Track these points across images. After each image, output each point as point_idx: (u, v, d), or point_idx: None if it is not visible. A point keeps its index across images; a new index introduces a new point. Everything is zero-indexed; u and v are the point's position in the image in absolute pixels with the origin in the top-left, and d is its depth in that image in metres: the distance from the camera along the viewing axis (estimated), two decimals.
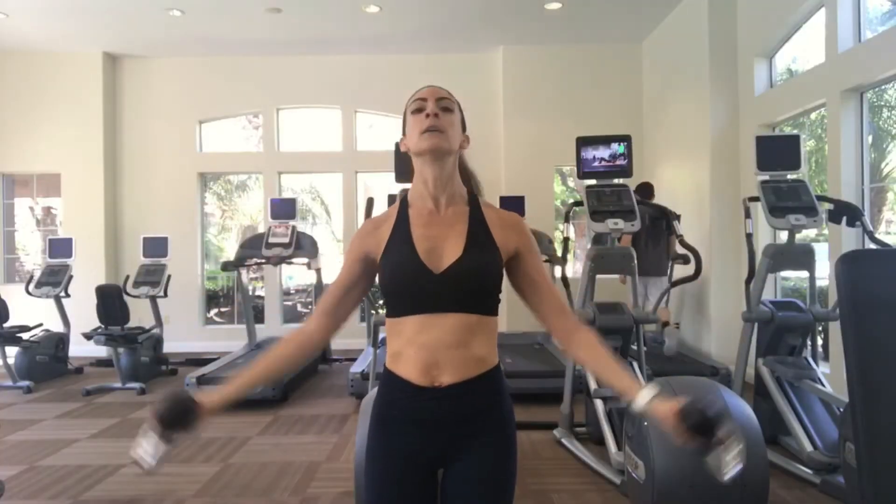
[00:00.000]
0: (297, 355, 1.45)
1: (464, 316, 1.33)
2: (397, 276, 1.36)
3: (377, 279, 1.43)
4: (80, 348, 6.96)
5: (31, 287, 6.65)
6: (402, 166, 4.89)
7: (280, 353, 1.44)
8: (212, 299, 9.04)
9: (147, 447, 1.27)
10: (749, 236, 4.08)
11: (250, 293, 8.01)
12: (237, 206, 9.77)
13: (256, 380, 1.43)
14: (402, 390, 1.36)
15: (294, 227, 6.59)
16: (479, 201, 1.45)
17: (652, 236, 6.04)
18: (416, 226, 1.39)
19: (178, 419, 1.29)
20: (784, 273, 5.43)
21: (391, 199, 5.33)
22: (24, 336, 6.39)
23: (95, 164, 8.07)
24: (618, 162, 4.27)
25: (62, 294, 6.67)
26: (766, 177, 4.04)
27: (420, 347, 1.33)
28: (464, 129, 1.46)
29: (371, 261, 1.43)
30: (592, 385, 4.03)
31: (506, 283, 1.43)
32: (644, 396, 1.29)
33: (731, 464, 1.17)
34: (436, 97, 1.40)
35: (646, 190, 6.32)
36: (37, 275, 6.84)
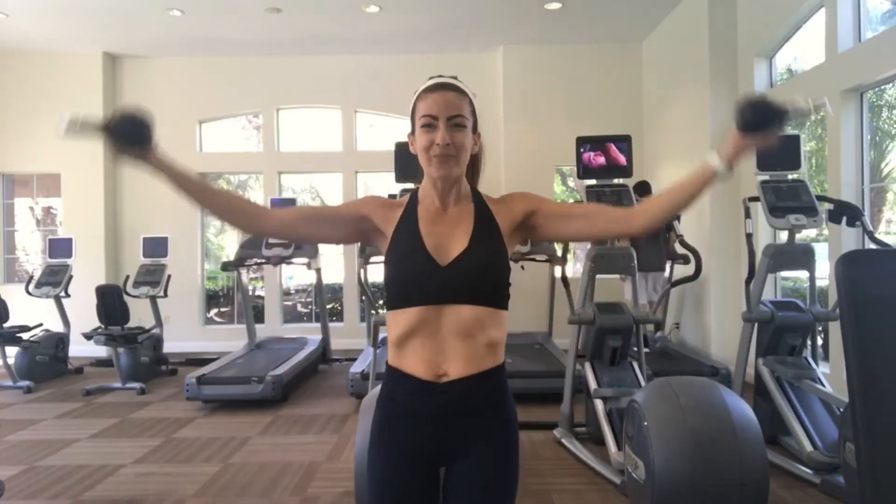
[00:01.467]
0: (236, 210, 1.42)
1: (471, 308, 1.34)
2: (404, 268, 1.37)
3: (382, 275, 1.43)
4: (80, 348, 6.96)
5: (31, 287, 6.65)
6: (403, 166, 4.88)
7: (229, 195, 1.47)
8: (212, 299, 9.04)
9: (83, 120, 1.24)
10: (749, 236, 4.08)
11: (250, 293, 8.02)
12: None
13: (199, 184, 1.38)
14: (406, 386, 1.36)
15: None
16: (482, 197, 1.46)
17: (651, 234, 6.04)
18: (423, 222, 1.40)
19: (130, 131, 1.28)
20: (784, 273, 5.43)
21: (391, 199, 5.33)
22: (24, 336, 6.38)
23: (95, 164, 8.07)
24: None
25: (62, 294, 6.67)
26: (765, 177, 4.04)
27: (425, 340, 1.34)
28: (475, 128, 1.42)
29: (367, 225, 1.44)
30: (592, 385, 4.03)
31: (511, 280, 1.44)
32: (712, 158, 1.31)
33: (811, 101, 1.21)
34: (447, 115, 1.35)
35: (643, 188, 6.32)
36: (37, 275, 6.85)
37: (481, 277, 1.36)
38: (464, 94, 1.39)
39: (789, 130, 5.60)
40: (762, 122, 1.24)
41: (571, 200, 4.99)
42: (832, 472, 3.33)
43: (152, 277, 6.72)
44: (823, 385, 3.75)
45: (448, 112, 1.36)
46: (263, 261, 6.67)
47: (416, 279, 1.35)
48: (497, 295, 1.38)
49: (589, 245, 4.41)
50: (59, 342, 6.79)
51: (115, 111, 1.30)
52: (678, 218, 5.52)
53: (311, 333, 7.44)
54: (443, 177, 1.38)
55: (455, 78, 1.42)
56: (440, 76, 1.42)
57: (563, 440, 4.11)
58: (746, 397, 3.39)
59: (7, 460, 4.07)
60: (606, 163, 4.23)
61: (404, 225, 1.41)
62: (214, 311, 9.10)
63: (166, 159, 1.34)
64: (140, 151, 1.31)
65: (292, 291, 9.39)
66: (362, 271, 5.27)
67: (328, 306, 7.89)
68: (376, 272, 6.54)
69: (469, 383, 1.34)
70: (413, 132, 1.42)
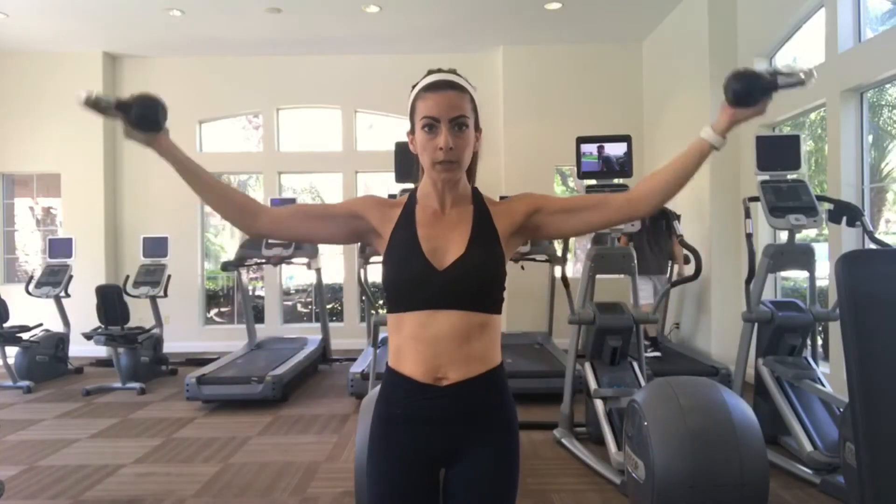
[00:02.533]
0: (233, 202, 1.43)
1: (466, 314, 1.33)
2: (401, 272, 1.36)
3: (381, 276, 1.42)
4: (80, 348, 6.96)
5: (31, 287, 6.65)
6: (403, 166, 4.88)
7: (229, 188, 1.46)
8: (212, 299, 9.04)
9: (101, 94, 1.30)
10: (749, 236, 4.08)
11: (250, 293, 8.01)
12: None
13: (202, 174, 1.42)
14: (404, 388, 1.36)
15: None
16: (482, 197, 1.44)
17: (652, 236, 6.04)
18: (421, 224, 1.39)
19: (145, 116, 1.33)
20: (784, 273, 5.43)
21: (391, 199, 5.33)
22: (24, 336, 6.38)
23: (95, 164, 8.07)
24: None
25: (62, 294, 6.67)
26: (766, 177, 4.04)
27: (423, 343, 1.33)
28: (477, 125, 1.39)
29: (362, 224, 1.43)
30: (592, 385, 4.03)
31: (509, 281, 1.43)
32: (705, 132, 1.32)
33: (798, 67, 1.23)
34: (449, 117, 1.32)
35: None
36: (37, 275, 6.85)
37: (477, 283, 1.34)
38: (464, 91, 1.35)
39: (788, 130, 5.61)
40: (750, 93, 1.28)
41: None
42: (832, 472, 3.33)
43: (152, 277, 6.72)
44: (823, 385, 3.75)
45: (450, 113, 1.32)
46: (263, 261, 6.67)
47: (413, 284, 1.34)
48: (491, 300, 1.37)
49: (589, 245, 4.41)
50: (59, 342, 6.79)
51: (133, 95, 1.34)
52: (678, 218, 5.51)
53: (311, 333, 7.44)
54: (446, 180, 1.36)
55: (454, 71, 1.39)
56: (439, 70, 1.39)
57: (563, 440, 4.11)
58: (746, 397, 3.39)
59: (7, 460, 4.07)
60: (605, 167, 4.23)
61: (402, 226, 1.39)
62: (214, 311, 9.10)
63: (174, 146, 1.39)
64: (151, 135, 1.36)
65: (292, 291, 9.39)
66: (362, 271, 5.27)
67: (328, 306, 7.89)
68: (376, 272, 6.55)
69: (468, 386, 1.34)
70: (413, 131, 1.38)
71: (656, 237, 6.07)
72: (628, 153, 4.24)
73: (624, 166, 4.23)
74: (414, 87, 1.39)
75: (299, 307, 9.40)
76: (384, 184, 7.98)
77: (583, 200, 1.43)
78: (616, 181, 4.24)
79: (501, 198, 6.62)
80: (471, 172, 1.45)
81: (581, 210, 1.41)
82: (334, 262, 8.74)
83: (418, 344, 1.34)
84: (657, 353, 6.01)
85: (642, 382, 4.00)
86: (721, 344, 6.05)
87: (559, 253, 6.04)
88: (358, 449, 2.88)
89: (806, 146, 5.24)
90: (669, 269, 6.32)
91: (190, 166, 1.41)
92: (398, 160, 4.92)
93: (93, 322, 6.10)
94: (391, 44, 7.89)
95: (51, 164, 8.12)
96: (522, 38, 7.80)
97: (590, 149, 4.23)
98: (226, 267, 6.91)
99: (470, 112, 1.35)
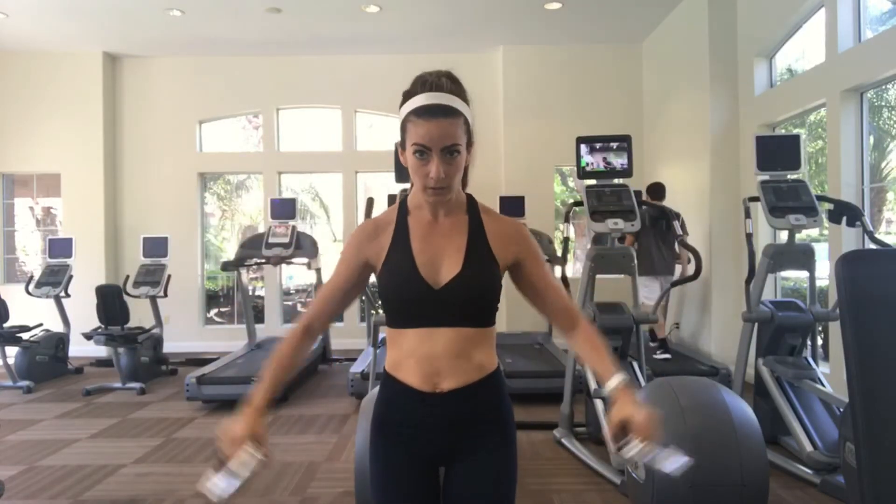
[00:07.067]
0: (304, 355, 1.47)
1: (462, 330, 1.34)
2: (397, 291, 1.36)
3: (377, 287, 1.42)
4: (80, 348, 6.96)
5: (31, 287, 6.65)
6: (402, 167, 4.88)
7: (290, 355, 1.42)
8: (212, 299, 9.04)
9: (219, 481, 1.35)
10: (749, 236, 4.08)
11: (250, 293, 8.01)
12: (237, 206, 9.77)
13: (279, 379, 1.40)
14: (403, 395, 1.37)
15: (294, 227, 6.60)
16: (477, 207, 1.43)
17: (661, 236, 5.97)
18: (415, 236, 1.38)
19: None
20: (784, 273, 5.43)
21: (391, 199, 5.33)
22: (24, 336, 6.38)
23: (95, 164, 8.07)
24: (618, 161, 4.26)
25: (62, 294, 6.67)
26: (766, 177, 4.04)
27: (420, 358, 1.34)
28: (470, 142, 1.34)
29: (370, 267, 1.42)
30: (592, 385, 4.03)
31: (507, 283, 1.42)
32: (612, 382, 1.38)
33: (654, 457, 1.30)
34: (440, 147, 1.27)
35: (657, 190, 6.23)
36: (37, 275, 6.85)
37: (473, 302, 1.35)
38: (458, 115, 1.28)
39: (793, 131, 5.61)
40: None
41: (571, 200, 4.99)
42: (832, 472, 3.33)
43: (152, 277, 6.71)
44: (823, 385, 3.75)
45: (442, 143, 1.27)
46: (263, 261, 6.67)
47: (409, 303, 1.35)
48: (487, 315, 1.38)
49: (589, 245, 4.41)
50: (59, 342, 6.79)
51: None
52: (678, 217, 5.50)
53: None
54: (436, 203, 1.36)
55: (448, 75, 1.33)
56: (432, 82, 1.31)
57: (563, 440, 4.11)
58: (746, 397, 3.39)
59: (7, 460, 4.07)
60: (605, 168, 4.23)
61: (396, 245, 1.38)
62: (214, 311, 9.10)
63: (262, 405, 1.36)
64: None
65: (292, 291, 9.39)
66: None
67: None
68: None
69: (465, 393, 1.35)
70: (403, 147, 1.34)
71: (663, 237, 6.01)
72: (628, 153, 4.24)
73: (624, 166, 4.23)
74: (405, 95, 1.32)
75: (299, 307, 9.39)
76: (384, 184, 7.98)
77: (552, 293, 1.45)
78: (616, 181, 4.24)
79: (501, 198, 6.55)
80: (463, 179, 1.42)
81: (544, 300, 1.45)
82: (334, 262, 8.72)
83: (416, 358, 1.35)
84: (667, 356, 5.97)
85: (642, 382, 4.00)
86: (721, 344, 6.05)
87: (559, 253, 6.04)
88: (358, 449, 2.88)
89: (805, 147, 5.24)
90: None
91: (276, 387, 1.40)
92: (398, 161, 4.92)
93: (93, 322, 6.10)
94: (391, 44, 7.89)
95: (51, 164, 8.12)
96: (522, 38, 7.80)
97: (590, 149, 4.23)
98: (226, 267, 6.92)
99: (462, 137, 1.29)
